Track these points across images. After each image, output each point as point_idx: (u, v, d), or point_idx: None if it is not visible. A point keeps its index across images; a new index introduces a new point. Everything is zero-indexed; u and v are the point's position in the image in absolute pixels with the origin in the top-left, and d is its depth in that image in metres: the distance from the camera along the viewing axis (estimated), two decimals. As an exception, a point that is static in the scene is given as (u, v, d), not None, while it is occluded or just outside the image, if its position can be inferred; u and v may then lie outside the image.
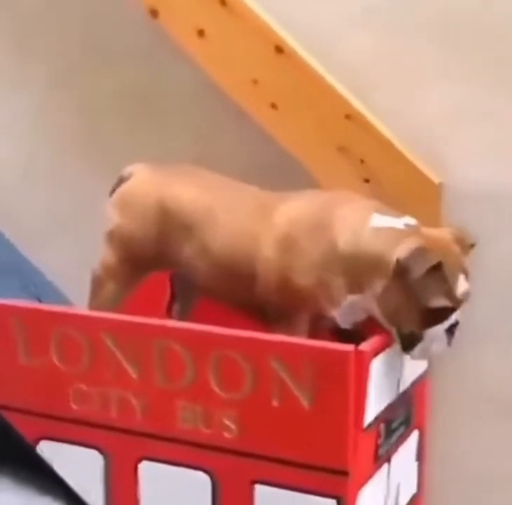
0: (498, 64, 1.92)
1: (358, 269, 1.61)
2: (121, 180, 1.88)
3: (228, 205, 1.75)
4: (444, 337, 1.61)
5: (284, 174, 2.05)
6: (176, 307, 2.00)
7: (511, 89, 1.92)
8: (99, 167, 2.28)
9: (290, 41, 1.98)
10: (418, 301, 1.57)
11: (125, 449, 1.73)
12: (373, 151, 1.96)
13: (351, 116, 1.96)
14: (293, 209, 1.69)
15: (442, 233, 1.63)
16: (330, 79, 1.97)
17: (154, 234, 1.81)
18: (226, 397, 1.61)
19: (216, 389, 1.62)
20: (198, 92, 2.14)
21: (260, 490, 1.62)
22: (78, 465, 1.78)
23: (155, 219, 1.80)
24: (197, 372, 1.63)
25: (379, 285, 1.60)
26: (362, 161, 1.95)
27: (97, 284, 1.85)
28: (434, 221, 1.92)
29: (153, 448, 1.70)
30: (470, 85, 1.94)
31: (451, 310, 1.58)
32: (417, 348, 1.62)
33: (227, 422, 1.62)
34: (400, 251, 1.58)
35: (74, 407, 1.76)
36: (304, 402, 1.55)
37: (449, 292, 1.57)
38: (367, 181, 1.96)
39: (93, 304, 1.86)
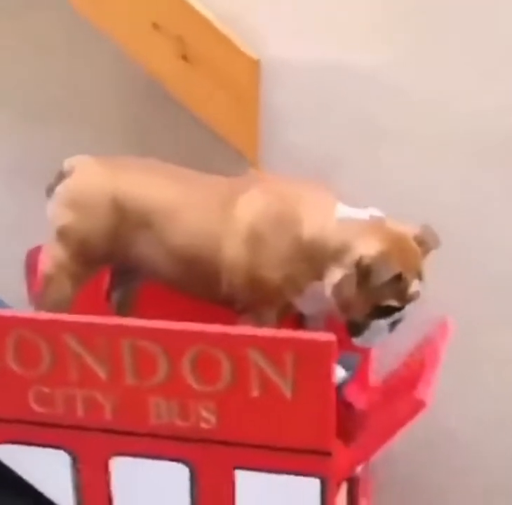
0: None
1: (321, 258, 1.66)
2: (62, 175, 1.82)
3: (187, 200, 1.74)
4: (386, 329, 1.71)
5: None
6: (115, 296, 1.98)
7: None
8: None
9: None
10: (371, 297, 1.65)
11: (93, 447, 1.72)
12: (190, 29, 1.93)
13: None
14: (254, 203, 1.70)
15: (405, 231, 1.68)
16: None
17: (110, 231, 1.77)
18: (204, 390, 1.63)
19: (192, 383, 1.63)
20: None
21: (241, 475, 1.67)
22: (45, 467, 1.77)
23: (110, 215, 1.76)
24: (172, 369, 1.63)
25: (337, 273, 1.66)
26: (179, 38, 1.93)
27: (48, 282, 1.80)
28: (253, 97, 1.96)
29: (125, 444, 1.71)
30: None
31: (398, 309, 1.68)
32: (362, 336, 1.71)
33: (205, 414, 1.65)
34: (366, 250, 1.63)
35: (36, 409, 1.73)
36: (286, 391, 1.60)
37: (402, 295, 1.66)
38: (184, 58, 1.94)
39: (47, 302, 1.81)
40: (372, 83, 1.97)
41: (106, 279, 1.97)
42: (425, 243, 1.69)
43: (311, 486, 1.64)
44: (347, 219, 1.66)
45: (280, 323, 1.73)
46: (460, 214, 2.00)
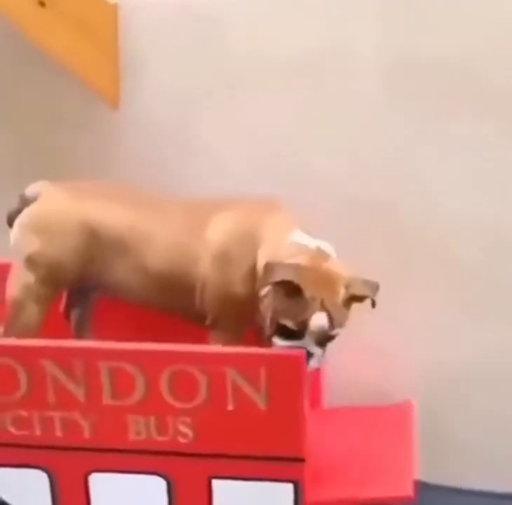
0: None
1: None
2: (26, 201, 1.86)
3: (158, 221, 1.82)
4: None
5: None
6: (75, 313, 2.04)
7: None
8: None
9: None
10: (273, 311, 1.72)
11: (72, 465, 1.79)
12: None
13: None
14: (224, 224, 1.79)
15: (339, 270, 1.73)
16: None
17: (80, 256, 1.83)
18: (181, 406, 1.72)
19: (170, 401, 1.72)
20: None
21: (218, 485, 1.76)
22: (23, 487, 1.82)
23: (80, 241, 1.82)
24: (149, 388, 1.71)
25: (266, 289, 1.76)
26: None
27: (18, 307, 1.84)
28: (112, 41, 2.01)
29: (104, 461, 1.78)
30: None
31: (294, 333, 1.70)
32: None
33: (182, 428, 1.74)
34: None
35: (14, 432, 1.78)
36: (260, 404, 1.70)
37: (298, 316, 1.69)
38: (42, 4, 1.96)
39: (17, 327, 1.85)
40: (229, 27, 2.03)
41: (62, 299, 2.03)
42: (350, 288, 1.71)
43: (285, 491, 1.75)
44: (297, 245, 1.75)
45: (245, 334, 1.83)
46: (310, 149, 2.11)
